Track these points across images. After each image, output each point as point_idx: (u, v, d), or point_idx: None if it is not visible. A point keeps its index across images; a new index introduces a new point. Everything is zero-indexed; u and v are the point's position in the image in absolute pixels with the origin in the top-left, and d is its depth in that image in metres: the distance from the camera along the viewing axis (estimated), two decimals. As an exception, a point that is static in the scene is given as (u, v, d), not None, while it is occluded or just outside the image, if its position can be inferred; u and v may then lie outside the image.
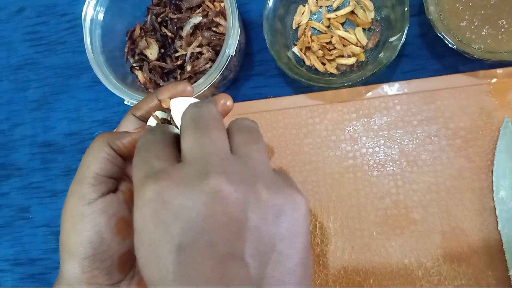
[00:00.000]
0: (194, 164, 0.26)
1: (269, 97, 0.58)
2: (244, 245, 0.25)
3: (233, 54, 0.51)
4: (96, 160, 0.33)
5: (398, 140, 0.54)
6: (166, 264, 0.24)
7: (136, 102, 0.52)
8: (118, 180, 0.36)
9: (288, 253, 0.26)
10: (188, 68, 0.57)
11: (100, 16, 0.56)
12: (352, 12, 0.56)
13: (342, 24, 0.56)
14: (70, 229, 0.32)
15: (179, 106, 0.34)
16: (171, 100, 0.36)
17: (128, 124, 0.38)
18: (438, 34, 0.49)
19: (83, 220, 0.32)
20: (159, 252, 0.24)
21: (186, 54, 0.57)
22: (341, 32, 0.54)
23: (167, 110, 0.36)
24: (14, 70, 0.68)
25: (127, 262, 0.35)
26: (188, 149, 0.27)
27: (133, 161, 0.29)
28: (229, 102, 0.37)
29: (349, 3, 0.56)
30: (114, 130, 0.38)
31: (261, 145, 0.29)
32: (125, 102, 0.53)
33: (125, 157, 0.35)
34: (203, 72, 0.57)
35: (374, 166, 0.54)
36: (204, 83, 0.52)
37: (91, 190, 0.33)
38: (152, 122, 0.37)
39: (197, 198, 0.24)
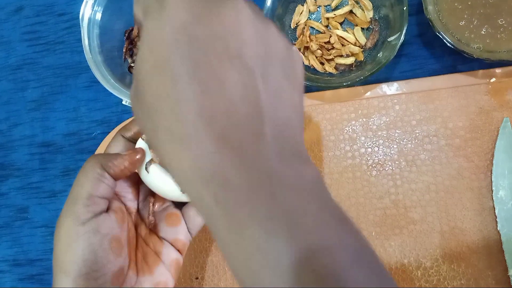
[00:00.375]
0: None
1: (267, 97, 0.58)
2: (252, 59, 0.25)
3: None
4: (89, 181, 0.34)
5: (397, 140, 0.53)
6: (182, 64, 0.23)
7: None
8: (110, 200, 0.37)
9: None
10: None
11: (98, 16, 0.55)
12: (351, 11, 0.55)
13: (341, 23, 0.56)
14: (65, 248, 0.33)
15: None
16: None
17: (118, 145, 0.39)
18: (437, 33, 0.49)
19: (77, 240, 0.33)
20: (176, 52, 0.24)
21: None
22: (339, 32, 0.54)
23: None
24: (13, 70, 0.68)
25: (119, 279, 0.36)
26: None
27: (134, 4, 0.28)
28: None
29: (348, 2, 0.55)
30: (102, 146, 0.39)
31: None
32: (123, 102, 0.53)
33: (117, 178, 0.36)
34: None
35: (373, 166, 0.54)
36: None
37: (85, 210, 0.34)
38: (141, 144, 0.38)
39: (219, 8, 0.25)
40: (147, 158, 0.38)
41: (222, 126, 0.23)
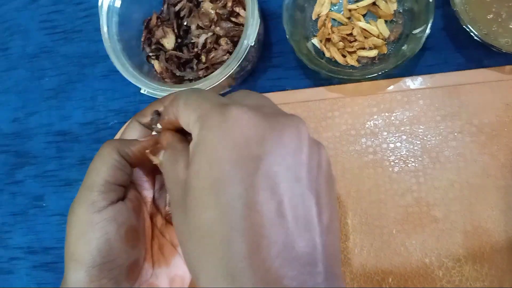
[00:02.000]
0: (268, 108, 0.27)
1: (287, 90, 0.57)
2: (304, 170, 0.25)
3: (252, 45, 0.50)
4: (105, 167, 0.32)
5: (420, 136, 0.52)
6: (244, 186, 0.23)
7: (153, 91, 0.52)
8: (126, 188, 0.35)
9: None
10: (203, 58, 0.56)
11: (117, 3, 0.54)
12: (374, 3, 0.54)
13: (364, 15, 0.55)
14: (79, 237, 0.31)
15: None
16: None
17: (133, 131, 0.37)
18: (464, 26, 0.48)
19: (92, 228, 0.31)
20: (237, 173, 0.24)
21: (199, 43, 0.56)
22: (362, 24, 0.53)
23: None
24: (30, 58, 0.68)
25: (135, 271, 0.34)
26: (256, 101, 0.28)
27: (189, 100, 0.28)
28: None
29: (372, -7, 0.54)
30: (119, 136, 0.38)
31: (265, 98, 0.30)
32: (142, 91, 0.52)
33: (134, 165, 0.35)
34: (221, 63, 0.55)
35: (395, 162, 0.52)
36: (221, 74, 0.50)
37: (101, 197, 0.32)
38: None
39: (283, 129, 0.25)
40: None
41: (271, 270, 0.23)
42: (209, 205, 0.24)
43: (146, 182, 0.39)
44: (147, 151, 0.34)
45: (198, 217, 0.24)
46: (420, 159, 0.52)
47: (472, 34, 0.48)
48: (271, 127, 0.24)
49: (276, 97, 0.56)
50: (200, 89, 0.30)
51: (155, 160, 0.33)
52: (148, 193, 0.39)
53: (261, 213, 0.23)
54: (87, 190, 0.32)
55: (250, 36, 0.50)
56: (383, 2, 0.53)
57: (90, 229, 0.31)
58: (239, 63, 0.50)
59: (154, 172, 0.39)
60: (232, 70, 0.50)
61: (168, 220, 0.40)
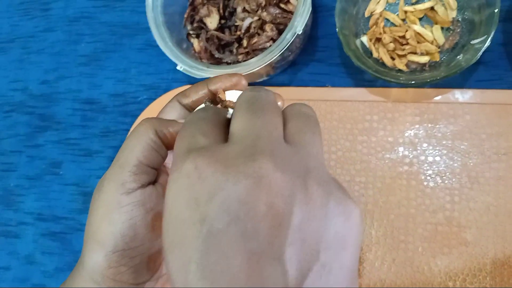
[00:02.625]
0: (240, 144, 0.23)
1: (327, 86, 0.55)
2: (283, 246, 0.21)
3: (299, 34, 0.47)
4: (140, 146, 0.30)
5: (462, 153, 0.49)
6: (191, 250, 0.21)
7: (189, 69, 0.50)
8: (159, 171, 0.33)
9: (332, 267, 0.22)
10: (245, 43, 0.54)
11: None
12: (432, 8, 0.51)
13: (419, 19, 0.52)
14: (103, 217, 0.30)
15: (234, 99, 0.31)
16: (226, 92, 0.33)
17: (173, 111, 0.35)
18: (528, 42, 0.45)
19: (119, 210, 0.29)
20: (185, 234, 0.21)
21: (242, 26, 0.54)
22: (417, 27, 0.50)
23: (218, 102, 0.34)
24: (69, 21, 0.66)
25: (156, 262, 0.32)
26: (237, 129, 0.24)
27: (178, 134, 0.26)
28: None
29: (430, -2, 0.51)
30: (157, 115, 0.35)
31: (317, 136, 0.26)
32: (178, 68, 0.50)
33: (169, 147, 0.32)
34: (262, 50, 0.53)
35: (432, 176, 0.49)
36: (261, 60, 0.48)
37: (132, 178, 0.30)
38: None
39: (237, 180, 0.21)
40: None
41: None
42: (170, 265, 0.22)
43: None
44: None
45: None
46: (459, 177, 0.49)
47: (534, 52, 0.45)
48: (225, 181, 0.21)
49: (315, 93, 0.54)
50: (205, 115, 0.27)
51: None
52: None
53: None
54: (119, 168, 0.30)
55: (298, 25, 0.48)
56: (442, 8, 0.51)
57: (116, 210, 0.29)
58: (281, 51, 0.48)
59: None
60: (273, 58, 0.48)
61: None
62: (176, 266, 0.21)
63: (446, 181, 0.49)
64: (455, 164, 0.49)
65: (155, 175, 0.32)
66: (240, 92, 0.32)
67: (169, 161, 0.35)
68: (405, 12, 0.52)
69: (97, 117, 0.63)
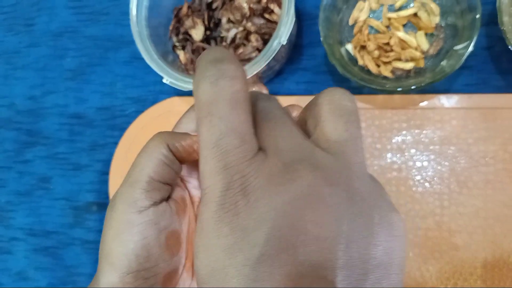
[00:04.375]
0: (280, 156, 0.22)
1: (313, 95, 0.55)
2: (335, 269, 0.20)
3: (284, 44, 0.47)
4: (152, 163, 0.29)
5: (449, 158, 0.49)
6: (237, 279, 0.20)
7: (175, 82, 0.50)
8: (172, 186, 0.32)
9: (381, 284, 0.21)
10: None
11: (149, -13, 0.53)
12: (415, 14, 0.52)
13: (403, 26, 0.52)
14: (115, 238, 0.29)
15: None
16: None
17: (190, 122, 0.33)
18: (510, 47, 0.45)
19: (131, 230, 0.28)
20: (230, 261, 0.20)
21: (228, 37, 0.54)
22: (401, 34, 0.51)
23: None
24: (54, 36, 0.66)
25: (172, 282, 0.31)
26: (269, 138, 0.23)
27: (200, 121, 0.23)
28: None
29: (413, 4, 0.52)
30: (174, 127, 0.34)
31: (359, 140, 0.23)
32: (164, 81, 0.50)
33: (183, 161, 0.31)
34: (248, 60, 0.53)
35: (420, 182, 0.50)
36: (248, 71, 0.48)
37: (143, 196, 0.28)
38: None
39: (286, 201, 0.20)
40: None
41: None
42: None
43: (196, 179, 0.34)
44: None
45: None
46: (447, 181, 0.49)
47: (517, 56, 0.45)
48: (271, 204, 0.20)
49: (302, 101, 0.54)
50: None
51: None
52: (196, 191, 0.34)
53: None
54: (130, 187, 0.29)
55: (282, 35, 0.48)
56: (425, 14, 0.51)
57: (128, 230, 0.28)
58: (267, 62, 0.48)
59: None
60: (260, 69, 0.48)
61: None
62: None
63: (435, 186, 0.49)
64: (443, 169, 0.49)
65: (168, 191, 0.31)
66: None
67: (186, 173, 0.33)
68: (389, 19, 0.52)
69: (84, 131, 0.63)
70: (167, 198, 0.31)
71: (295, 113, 0.31)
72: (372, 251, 0.21)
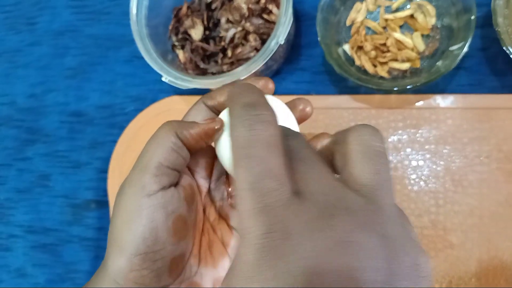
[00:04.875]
0: (315, 201, 0.22)
1: (311, 94, 0.56)
2: None
3: (282, 44, 0.48)
4: (161, 149, 0.30)
5: (445, 157, 0.50)
6: None
7: (174, 80, 0.51)
8: (181, 174, 0.33)
9: None
10: (229, 53, 0.55)
11: (149, -13, 0.54)
12: (412, 16, 0.52)
13: (400, 27, 0.53)
14: (124, 222, 0.30)
15: None
16: None
17: (198, 113, 0.34)
18: (504, 48, 0.46)
19: (140, 214, 0.29)
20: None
21: (226, 37, 0.55)
22: (398, 35, 0.51)
23: None
24: (55, 35, 0.67)
25: (179, 266, 0.32)
26: (303, 181, 0.23)
27: (238, 162, 0.24)
28: (309, 108, 0.34)
29: (409, 5, 0.52)
30: (183, 117, 0.35)
31: (389, 181, 0.24)
32: (163, 79, 0.51)
33: (191, 149, 0.32)
34: (246, 60, 0.54)
35: (416, 180, 0.50)
36: (245, 70, 0.49)
37: (152, 181, 0.30)
38: (224, 115, 0.33)
39: (326, 245, 0.20)
40: (227, 132, 0.32)
41: None
42: None
43: (204, 169, 0.36)
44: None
45: None
46: (442, 180, 0.50)
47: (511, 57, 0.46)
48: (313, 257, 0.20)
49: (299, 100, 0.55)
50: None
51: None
52: (204, 182, 0.36)
53: None
54: (139, 172, 0.30)
55: (280, 35, 0.48)
56: (421, 15, 0.52)
57: (137, 214, 0.29)
58: (265, 61, 0.49)
59: (214, 159, 0.36)
60: (257, 68, 0.49)
61: (221, 215, 0.36)
62: None
63: (430, 185, 0.50)
64: (439, 168, 0.50)
65: (176, 177, 0.32)
66: (269, 97, 0.30)
67: (194, 163, 0.35)
68: (386, 20, 0.53)
69: (84, 129, 0.64)
70: (176, 184, 0.32)
71: (324, 142, 0.30)
72: None
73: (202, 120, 0.33)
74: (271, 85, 0.34)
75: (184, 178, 0.33)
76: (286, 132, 0.26)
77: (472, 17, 0.46)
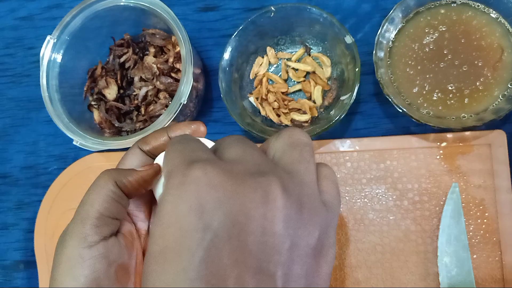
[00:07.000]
0: (244, 164, 0.25)
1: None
2: (277, 263, 0.23)
3: (185, 103, 0.51)
4: (101, 199, 0.31)
5: (347, 198, 0.53)
6: (190, 258, 0.22)
7: (85, 143, 0.53)
8: (121, 221, 0.33)
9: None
10: (142, 110, 0.57)
11: (59, 56, 0.56)
12: (313, 72, 0.56)
13: (304, 76, 0.57)
14: (67, 273, 0.30)
15: None
16: None
17: (134, 158, 0.35)
18: (386, 96, 0.50)
19: (82, 265, 0.29)
20: (184, 241, 0.22)
21: (139, 95, 0.58)
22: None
23: None
24: (-23, 99, 0.68)
25: None
26: (234, 154, 0.26)
27: (170, 151, 0.27)
28: (202, 128, 0.36)
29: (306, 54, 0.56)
30: (119, 163, 0.35)
31: (311, 164, 0.27)
32: (74, 143, 0.53)
33: (130, 196, 0.33)
34: (158, 117, 0.56)
35: (320, 222, 0.53)
36: (155, 127, 0.52)
37: (93, 231, 0.30)
38: (159, 160, 0.34)
39: (245, 192, 0.23)
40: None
41: None
42: (155, 274, 0.23)
43: (142, 212, 0.36)
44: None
45: (146, 283, 0.23)
46: (346, 220, 0.53)
47: (394, 104, 0.49)
48: (234, 191, 0.23)
49: (212, 152, 0.57)
50: (191, 138, 0.29)
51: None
52: (143, 225, 0.36)
53: None
54: (80, 223, 0.30)
55: (183, 94, 0.51)
56: (320, 68, 0.55)
57: (79, 265, 0.29)
58: (171, 118, 0.51)
59: (151, 202, 0.37)
60: (166, 125, 0.51)
61: None
62: (171, 272, 0.22)
63: (335, 226, 0.53)
64: (342, 209, 0.53)
65: (117, 226, 0.32)
66: (202, 139, 0.33)
67: (132, 206, 0.35)
68: (287, 72, 0.56)
69: (10, 190, 0.65)
70: (117, 233, 0.32)
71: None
72: (306, 260, 0.24)
73: (140, 166, 0.34)
74: (202, 128, 0.36)
75: (124, 225, 0.34)
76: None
77: (357, 69, 0.50)
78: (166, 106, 0.57)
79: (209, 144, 0.33)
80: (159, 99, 0.57)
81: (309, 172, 0.27)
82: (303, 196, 0.25)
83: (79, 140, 0.53)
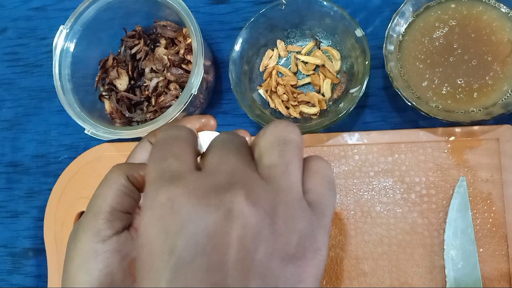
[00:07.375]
0: (214, 176, 0.24)
1: (233, 136, 0.59)
2: (247, 280, 0.22)
3: (195, 94, 0.51)
4: (112, 193, 0.31)
5: (354, 190, 0.54)
6: (159, 279, 0.22)
7: (96, 132, 0.53)
8: (133, 215, 0.33)
9: None
10: (153, 101, 0.58)
11: (71, 45, 0.56)
12: (323, 65, 0.56)
13: (313, 70, 0.57)
14: (80, 266, 0.30)
15: (204, 140, 0.31)
16: (198, 132, 0.34)
17: (143, 151, 0.35)
18: (396, 89, 0.50)
19: (95, 259, 0.30)
20: (154, 263, 0.23)
21: (150, 86, 0.58)
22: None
23: None
24: (-10, 88, 0.69)
25: None
26: (211, 162, 0.26)
27: (150, 155, 0.27)
28: (212, 121, 0.36)
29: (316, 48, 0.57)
30: (128, 156, 0.35)
31: (292, 165, 0.26)
32: (85, 131, 0.53)
33: (142, 189, 0.33)
34: (169, 107, 0.57)
35: (327, 214, 0.54)
36: (166, 118, 0.52)
37: (106, 226, 0.30)
38: None
39: (208, 212, 0.23)
40: None
41: None
42: None
43: None
44: None
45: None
46: (353, 212, 0.53)
47: (403, 98, 0.50)
48: (195, 213, 0.23)
49: (221, 143, 0.58)
50: (172, 136, 0.28)
51: None
52: None
53: None
54: (93, 217, 0.31)
55: (193, 85, 0.52)
56: (330, 62, 0.56)
57: (92, 259, 0.30)
58: (181, 109, 0.52)
59: None
60: (176, 115, 0.52)
61: None
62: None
63: (341, 217, 0.53)
64: (349, 201, 0.54)
65: (129, 220, 0.32)
66: (210, 132, 0.32)
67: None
68: (296, 65, 0.57)
69: (21, 179, 0.66)
70: (129, 226, 0.32)
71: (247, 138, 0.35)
72: (283, 271, 0.23)
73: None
74: (212, 121, 0.36)
75: (137, 218, 0.33)
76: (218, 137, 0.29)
77: (367, 62, 0.50)
78: (177, 97, 0.58)
79: (212, 135, 0.33)
80: (170, 90, 0.58)
81: (287, 175, 0.25)
82: (278, 204, 0.24)
83: (90, 129, 0.53)
